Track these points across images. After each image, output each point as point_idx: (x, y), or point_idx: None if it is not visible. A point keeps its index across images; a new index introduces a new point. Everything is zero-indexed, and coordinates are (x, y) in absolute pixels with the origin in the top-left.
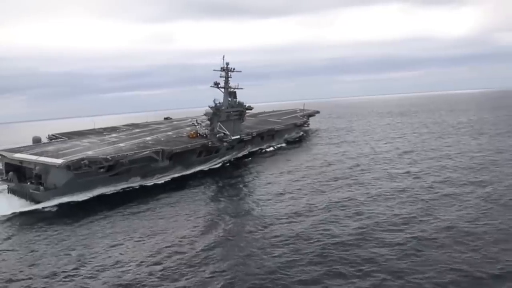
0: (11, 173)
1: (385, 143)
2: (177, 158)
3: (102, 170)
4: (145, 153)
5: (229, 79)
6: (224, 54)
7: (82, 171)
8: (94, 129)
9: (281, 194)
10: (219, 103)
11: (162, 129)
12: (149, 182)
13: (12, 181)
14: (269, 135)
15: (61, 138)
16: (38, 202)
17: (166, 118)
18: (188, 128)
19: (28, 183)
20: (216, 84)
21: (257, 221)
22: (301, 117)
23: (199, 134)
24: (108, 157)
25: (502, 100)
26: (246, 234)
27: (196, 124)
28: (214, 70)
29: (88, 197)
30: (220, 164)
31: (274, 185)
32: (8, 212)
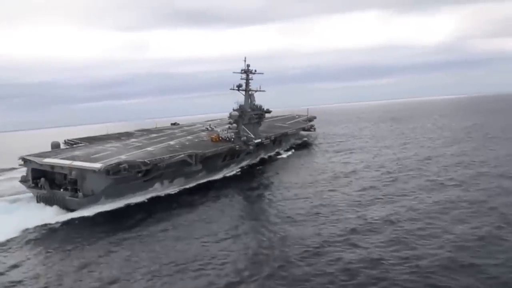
0: (42, 179)
1: (402, 149)
2: (204, 162)
3: (139, 174)
4: (180, 156)
5: (250, 81)
6: (245, 56)
7: (121, 176)
8: (108, 135)
9: (316, 212)
10: (240, 105)
11: (178, 134)
12: (179, 187)
13: (43, 188)
14: (279, 140)
15: (80, 143)
16: (72, 210)
17: (173, 124)
18: (204, 133)
19: (61, 190)
20: (238, 87)
21: (310, 246)
22: (305, 122)
23: (221, 138)
24: (146, 160)
25: (485, 105)
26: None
27: (209, 128)
28: (234, 72)
29: (124, 204)
30: (240, 169)
31: (307, 200)
32: (51, 220)
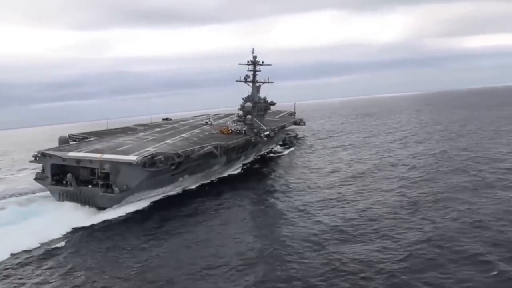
0: (69, 175)
1: (408, 144)
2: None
3: (173, 167)
4: (207, 148)
5: (257, 73)
6: (253, 47)
7: (156, 169)
8: (110, 129)
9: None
10: (247, 97)
11: (182, 128)
12: (200, 182)
13: (69, 185)
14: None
15: (88, 137)
16: (103, 208)
17: (165, 119)
18: (207, 127)
19: (89, 186)
20: (245, 78)
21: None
22: (291, 116)
23: (232, 130)
24: (179, 152)
25: (445, 101)
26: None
27: (209, 122)
28: (240, 64)
29: (157, 199)
30: (249, 163)
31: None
32: (85, 223)
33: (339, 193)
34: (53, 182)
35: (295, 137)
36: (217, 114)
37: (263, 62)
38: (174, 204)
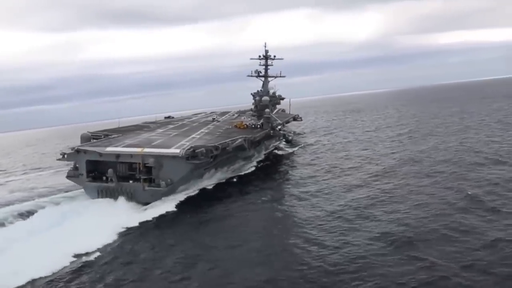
0: (110, 170)
1: (424, 139)
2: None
3: (211, 160)
4: (238, 141)
5: (269, 67)
6: (265, 42)
7: (198, 161)
8: (127, 127)
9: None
10: (260, 90)
11: (195, 125)
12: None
13: (110, 181)
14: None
15: (110, 134)
16: (145, 203)
17: (167, 117)
18: (217, 123)
19: (130, 182)
20: (257, 73)
21: None
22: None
23: (247, 125)
24: (217, 144)
25: (422, 96)
26: None
27: (216, 119)
28: (251, 58)
29: (196, 192)
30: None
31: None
32: (133, 220)
33: (383, 191)
34: (90, 179)
35: (295, 133)
36: (213, 112)
37: (275, 56)
38: (211, 198)
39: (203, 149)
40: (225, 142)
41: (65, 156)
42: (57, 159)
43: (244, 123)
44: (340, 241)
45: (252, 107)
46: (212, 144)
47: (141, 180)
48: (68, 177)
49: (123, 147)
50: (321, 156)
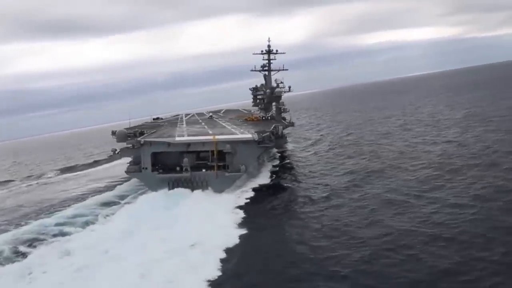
0: (186, 160)
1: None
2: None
3: (272, 144)
4: (280, 128)
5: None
6: (269, 37)
7: (267, 145)
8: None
9: None
10: (262, 85)
11: (204, 123)
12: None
13: (185, 171)
14: None
15: (146, 131)
16: (221, 191)
17: (155, 119)
18: (222, 120)
19: (204, 170)
20: (262, 67)
21: None
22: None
23: (258, 118)
24: (272, 130)
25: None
26: None
27: (212, 116)
28: (254, 53)
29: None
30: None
31: None
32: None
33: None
34: (160, 171)
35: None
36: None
37: (277, 50)
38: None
39: (268, 133)
40: (276, 127)
41: (118, 152)
42: (108, 155)
43: (254, 116)
44: None
45: (252, 102)
46: (270, 130)
47: (215, 167)
48: (128, 172)
49: (190, 136)
50: (364, 156)
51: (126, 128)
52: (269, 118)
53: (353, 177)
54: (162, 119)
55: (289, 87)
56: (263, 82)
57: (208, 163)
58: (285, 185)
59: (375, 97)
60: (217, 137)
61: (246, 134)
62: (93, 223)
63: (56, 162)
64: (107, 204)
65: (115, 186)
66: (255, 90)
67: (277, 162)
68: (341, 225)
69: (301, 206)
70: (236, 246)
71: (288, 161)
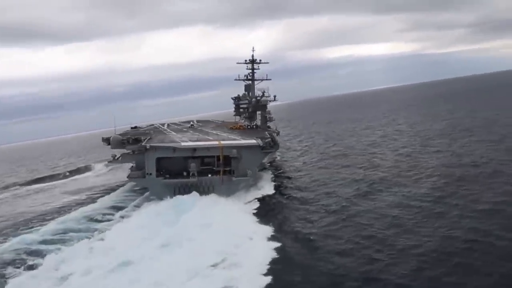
0: (193, 164)
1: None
2: None
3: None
4: (274, 135)
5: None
6: (253, 46)
7: (270, 151)
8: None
9: None
10: (244, 94)
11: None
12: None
13: (192, 176)
14: None
15: (142, 137)
16: (226, 196)
17: (133, 128)
18: (206, 128)
19: (209, 175)
20: (246, 76)
21: None
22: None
23: (242, 126)
24: (272, 136)
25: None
26: None
27: (194, 125)
28: (238, 63)
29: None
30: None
31: None
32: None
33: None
34: (167, 176)
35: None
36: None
37: (260, 60)
38: None
39: (270, 139)
40: (271, 134)
41: (118, 158)
42: (108, 161)
43: (239, 124)
44: None
45: (234, 111)
46: (268, 137)
47: (221, 172)
48: (131, 178)
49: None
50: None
51: (120, 134)
52: (254, 126)
53: (358, 185)
54: (141, 128)
55: (274, 96)
56: (240, 92)
57: (214, 168)
58: (293, 195)
59: (344, 109)
60: (222, 142)
61: (250, 139)
62: (88, 238)
63: (18, 174)
64: (94, 217)
65: (97, 198)
66: (237, 99)
67: (271, 170)
68: (370, 233)
69: (321, 216)
70: (276, 262)
71: (281, 170)
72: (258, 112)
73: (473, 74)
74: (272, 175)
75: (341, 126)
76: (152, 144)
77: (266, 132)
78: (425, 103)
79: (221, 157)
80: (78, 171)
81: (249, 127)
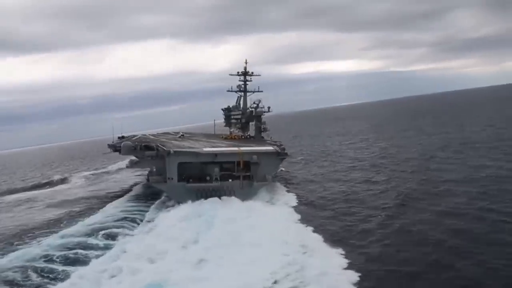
0: (217, 169)
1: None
2: None
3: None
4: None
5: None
6: (246, 58)
7: (285, 157)
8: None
9: None
10: (234, 105)
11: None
12: None
13: (215, 181)
14: None
15: (149, 143)
16: (245, 200)
17: (120, 137)
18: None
19: (230, 180)
20: (238, 87)
21: None
22: None
23: (236, 136)
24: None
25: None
26: None
27: (183, 135)
28: (230, 74)
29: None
30: None
31: None
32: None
33: None
34: (191, 180)
35: None
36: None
37: (252, 72)
38: None
39: (283, 146)
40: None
41: (136, 162)
42: (127, 166)
43: (234, 134)
44: None
45: (223, 122)
46: (278, 145)
47: (241, 177)
48: (154, 182)
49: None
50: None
51: (130, 141)
52: (248, 136)
53: (387, 195)
54: (127, 137)
55: (269, 108)
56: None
57: (234, 173)
58: (319, 201)
59: (317, 124)
60: (242, 148)
61: (268, 146)
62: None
63: None
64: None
65: (98, 208)
66: (228, 110)
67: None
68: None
69: (363, 220)
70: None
71: (291, 177)
72: (252, 123)
73: (435, 92)
74: (284, 182)
75: (330, 139)
76: (176, 149)
77: (268, 142)
78: (410, 117)
79: (241, 163)
80: (61, 181)
81: (243, 137)
